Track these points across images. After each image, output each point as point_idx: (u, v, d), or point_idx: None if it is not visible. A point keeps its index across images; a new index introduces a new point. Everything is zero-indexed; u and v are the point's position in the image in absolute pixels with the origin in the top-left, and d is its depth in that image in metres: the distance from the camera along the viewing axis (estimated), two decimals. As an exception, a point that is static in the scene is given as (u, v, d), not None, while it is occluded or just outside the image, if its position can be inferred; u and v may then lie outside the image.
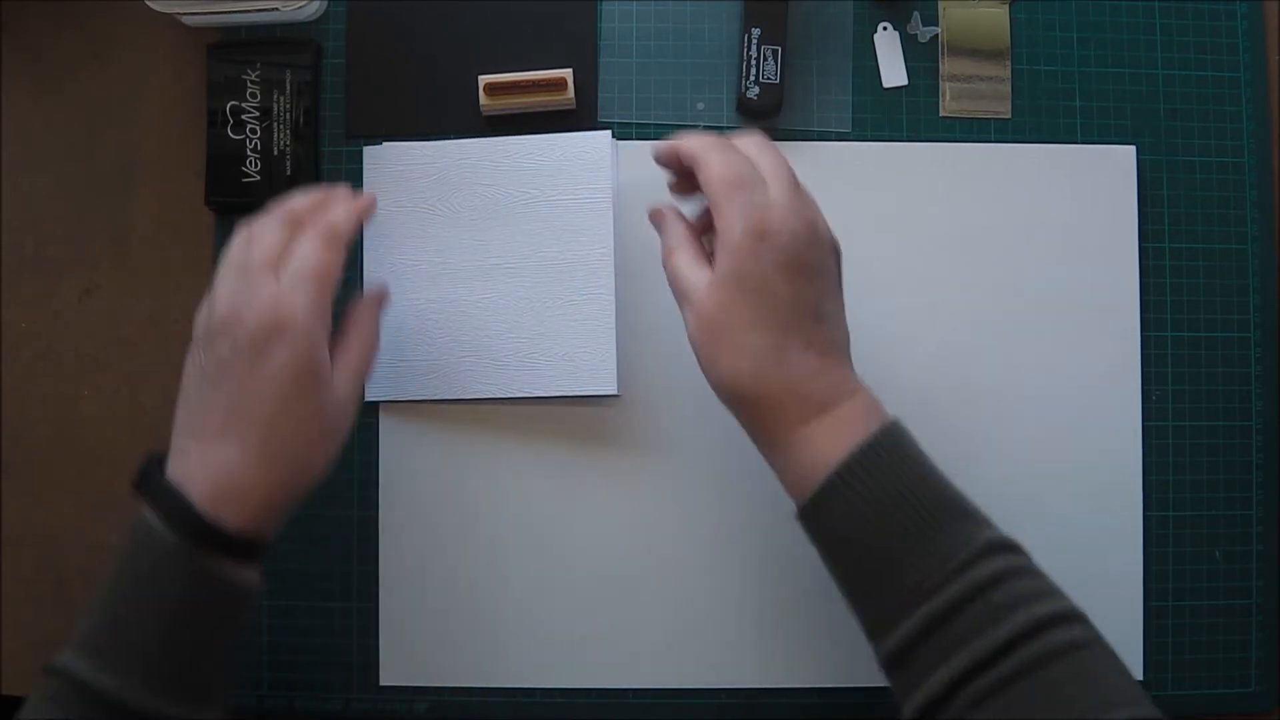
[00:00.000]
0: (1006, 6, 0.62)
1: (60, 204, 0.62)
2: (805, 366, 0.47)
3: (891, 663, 0.46)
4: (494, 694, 0.59)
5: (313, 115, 0.61)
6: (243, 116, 0.60)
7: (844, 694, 0.59)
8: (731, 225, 0.47)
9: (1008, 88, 0.62)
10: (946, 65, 0.62)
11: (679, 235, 0.51)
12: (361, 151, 0.61)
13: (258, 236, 0.49)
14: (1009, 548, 0.45)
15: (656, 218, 0.53)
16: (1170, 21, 0.62)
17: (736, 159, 0.48)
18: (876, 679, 0.59)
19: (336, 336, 0.51)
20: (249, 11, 0.60)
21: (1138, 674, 0.59)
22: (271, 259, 0.48)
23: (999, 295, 0.61)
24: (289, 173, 0.60)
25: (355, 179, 0.61)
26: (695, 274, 0.49)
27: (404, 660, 0.59)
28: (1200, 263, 0.62)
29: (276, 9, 0.60)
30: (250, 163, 0.60)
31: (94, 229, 0.62)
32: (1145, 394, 0.61)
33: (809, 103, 0.62)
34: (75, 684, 0.44)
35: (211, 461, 0.46)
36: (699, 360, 0.49)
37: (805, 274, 0.47)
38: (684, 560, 0.60)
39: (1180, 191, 0.62)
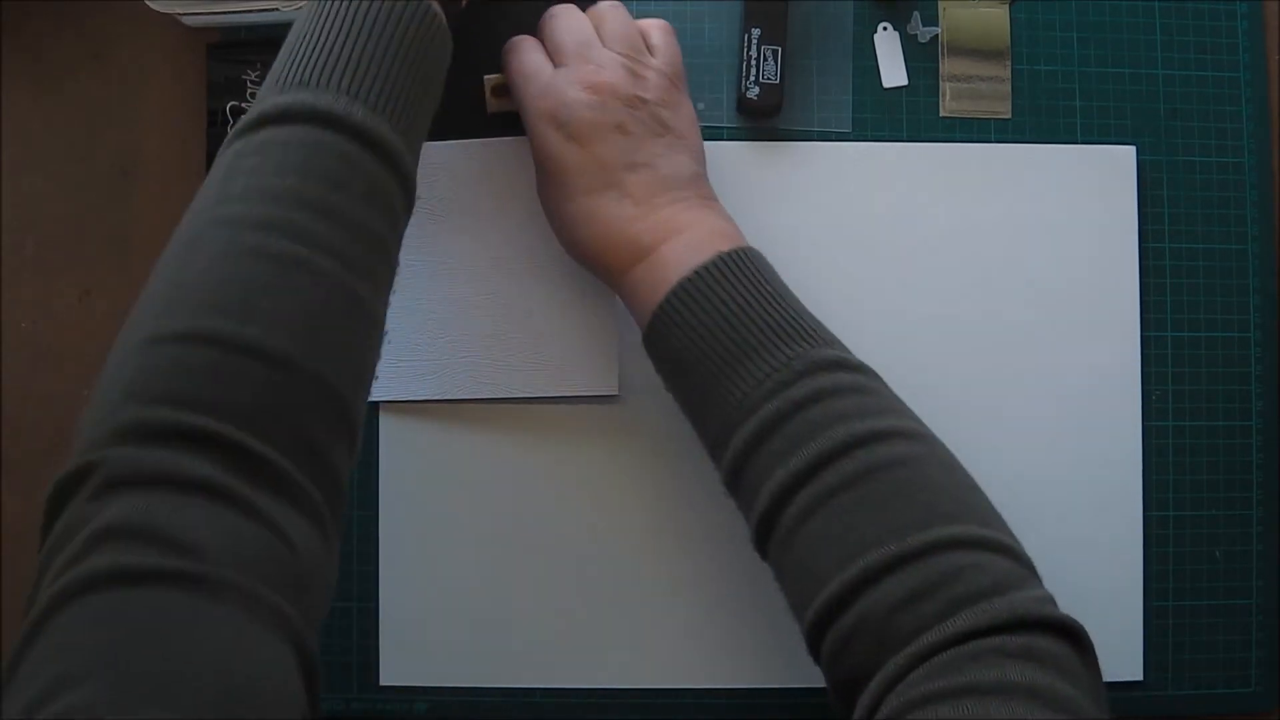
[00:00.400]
0: (1006, 6, 0.62)
1: (60, 204, 0.62)
2: (621, 215, 0.50)
3: (729, 486, 0.48)
4: (494, 694, 0.59)
5: (313, 115, 0.61)
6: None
7: (844, 694, 0.59)
8: (526, 117, 0.52)
9: (1008, 88, 0.62)
10: (946, 65, 0.62)
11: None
12: (361, 151, 0.61)
13: None
14: (840, 364, 0.46)
15: (507, 50, 0.56)
16: (1170, 21, 0.62)
17: (525, 49, 0.53)
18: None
19: None
20: (249, 11, 0.60)
21: (1137, 674, 0.59)
22: None
23: (998, 295, 0.61)
24: (289, 173, 0.60)
25: (355, 179, 0.61)
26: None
27: (404, 660, 0.59)
28: (1200, 263, 0.62)
29: (277, 9, 0.60)
30: (250, 163, 0.60)
31: (94, 229, 0.62)
32: (1145, 394, 0.61)
33: (809, 103, 0.62)
34: (323, 118, 0.42)
35: None
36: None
37: (598, 137, 0.50)
38: (684, 560, 0.60)
39: (1180, 191, 0.62)
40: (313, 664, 0.37)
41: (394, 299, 0.59)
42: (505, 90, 0.57)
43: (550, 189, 0.53)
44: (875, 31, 0.62)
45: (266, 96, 0.44)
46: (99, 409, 0.37)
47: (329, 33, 0.44)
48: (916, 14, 0.62)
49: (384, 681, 0.60)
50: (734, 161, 0.61)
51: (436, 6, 0.47)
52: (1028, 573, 0.43)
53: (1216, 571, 0.61)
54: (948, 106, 0.62)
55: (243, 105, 0.60)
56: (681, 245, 0.50)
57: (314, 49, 0.44)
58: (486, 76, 0.59)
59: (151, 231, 0.62)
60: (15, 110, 0.63)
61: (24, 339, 0.62)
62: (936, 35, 0.62)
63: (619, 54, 0.52)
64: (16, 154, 0.63)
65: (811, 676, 0.59)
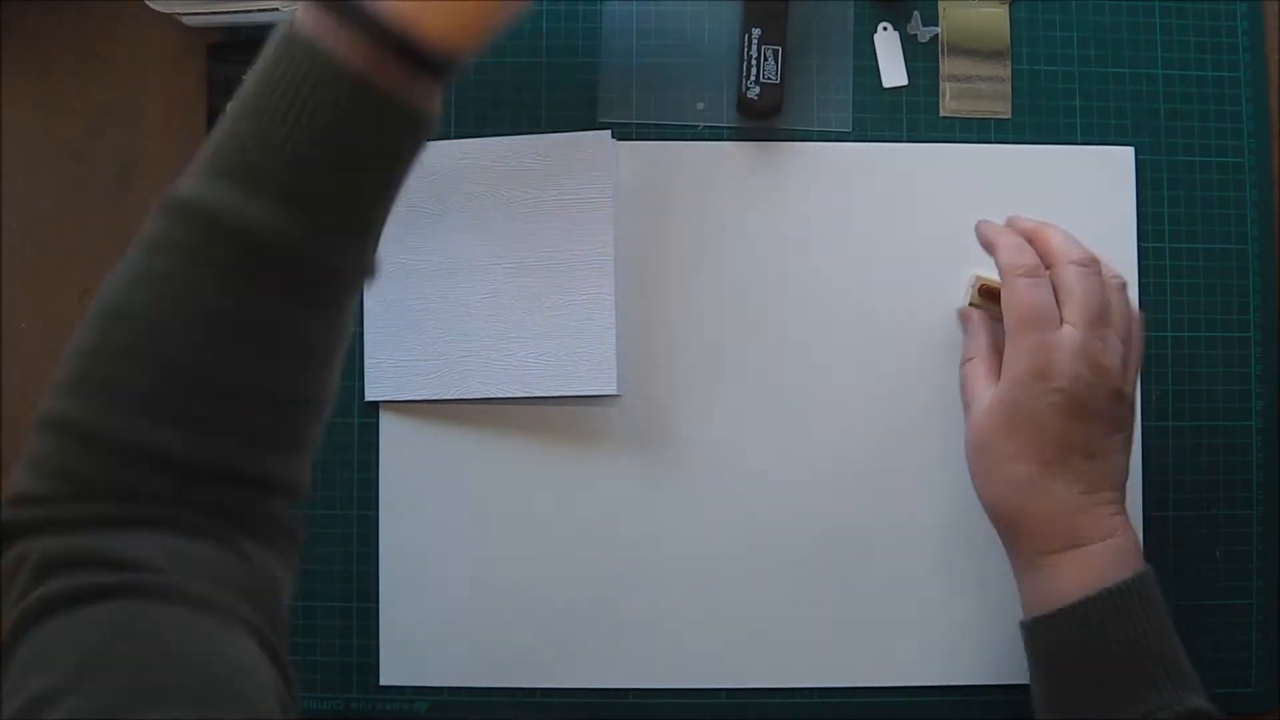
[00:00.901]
0: (1006, 6, 0.62)
1: (60, 204, 0.62)
2: (1066, 502, 0.49)
3: None
4: (494, 694, 0.59)
5: (313, 115, 0.61)
6: (243, 116, 0.60)
7: (845, 694, 0.59)
8: (1016, 358, 0.50)
9: (1008, 88, 0.62)
10: (946, 65, 0.62)
11: (979, 345, 0.55)
12: (362, 151, 0.61)
13: None
14: (1209, 717, 0.47)
15: (966, 318, 0.57)
16: (1170, 21, 0.62)
17: (1037, 291, 0.51)
18: (876, 679, 0.59)
19: None
20: (250, 11, 0.60)
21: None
22: None
23: (999, 295, 0.61)
24: (289, 173, 0.60)
25: (355, 179, 0.61)
26: (981, 389, 0.52)
27: (404, 660, 0.59)
28: (1200, 263, 0.62)
29: (277, 9, 0.60)
30: (250, 163, 0.60)
31: (94, 229, 0.62)
32: (1145, 394, 0.61)
33: (809, 103, 0.62)
34: (206, 218, 0.38)
35: None
36: (971, 474, 0.52)
37: (1081, 416, 0.49)
38: (683, 560, 0.60)
39: (1180, 191, 0.62)
40: (285, 670, 0.37)
41: (394, 299, 0.60)
42: (993, 297, 0.54)
43: (1001, 437, 0.50)
44: (875, 31, 0.62)
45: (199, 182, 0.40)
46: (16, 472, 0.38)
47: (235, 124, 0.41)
48: (916, 14, 0.62)
49: (384, 681, 0.60)
50: (734, 161, 0.61)
51: (398, 85, 0.40)
52: None
53: (1216, 571, 0.61)
54: (948, 106, 0.62)
55: (243, 105, 0.60)
56: (1112, 551, 0.49)
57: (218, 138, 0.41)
58: (979, 275, 0.57)
59: (151, 231, 0.62)
60: (15, 110, 0.63)
61: (24, 339, 0.62)
62: (936, 35, 0.62)
63: (1120, 340, 0.51)
64: (16, 154, 0.63)
65: (813, 676, 0.60)
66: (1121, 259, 0.61)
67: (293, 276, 0.40)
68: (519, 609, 0.60)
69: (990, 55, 0.62)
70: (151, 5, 0.58)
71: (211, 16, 0.61)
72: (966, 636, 0.59)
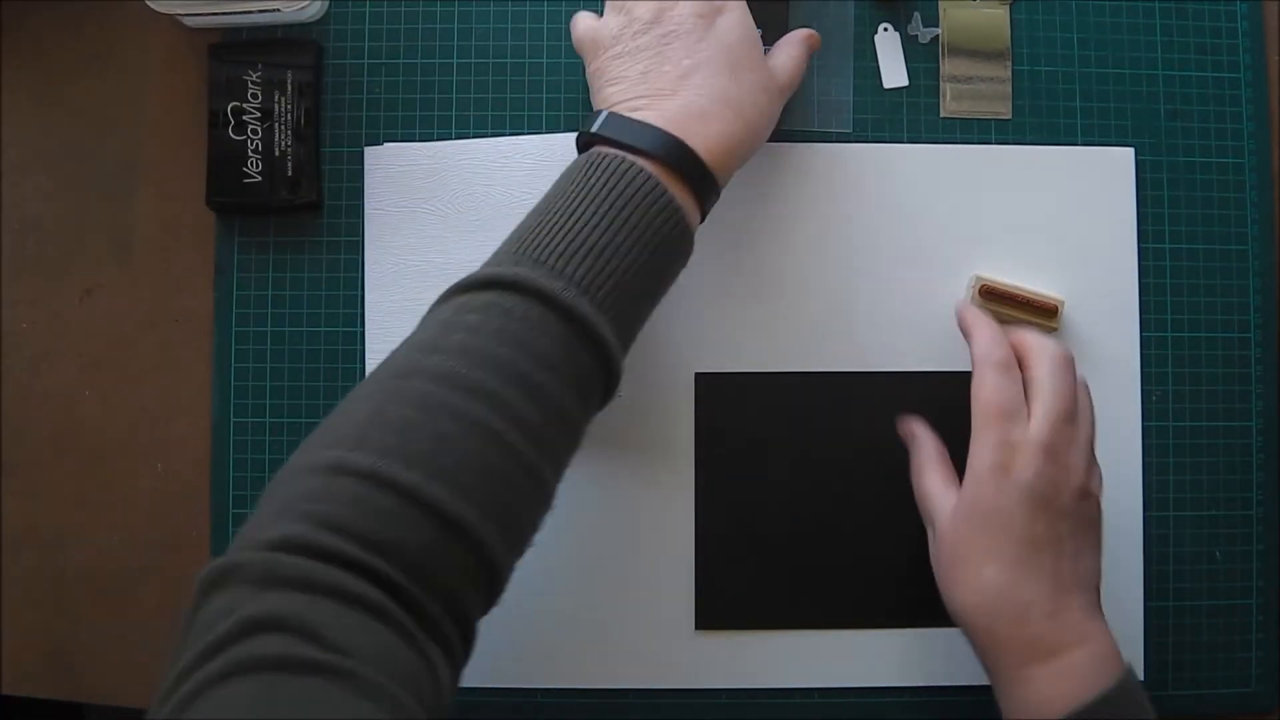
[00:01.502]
0: (1006, 7, 0.62)
1: (61, 204, 0.62)
2: (1039, 605, 0.47)
3: None
4: (494, 694, 0.59)
5: (314, 116, 0.61)
6: (244, 117, 0.60)
7: (846, 694, 0.59)
8: (980, 455, 0.49)
9: (1008, 88, 0.62)
10: (947, 66, 0.62)
11: (929, 455, 0.54)
12: (363, 152, 0.61)
13: None
14: None
15: (907, 433, 0.55)
16: (1170, 22, 0.62)
17: (1006, 386, 0.50)
18: (876, 679, 0.59)
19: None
20: (250, 12, 0.60)
21: (1138, 674, 0.60)
22: None
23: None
24: (290, 173, 0.60)
25: (357, 179, 0.61)
26: (942, 496, 0.51)
27: (404, 660, 0.59)
28: (1200, 263, 0.62)
29: (278, 10, 0.60)
30: (251, 163, 0.60)
31: (95, 229, 0.62)
32: (1145, 394, 0.61)
33: (809, 103, 0.62)
34: (553, 305, 0.43)
35: (671, 105, 0.49)
36: (938, 583, 0.51)
37: (1048, 512, 0.48)
38: (684, 560, 0.60)
39: (1180, 191, 0.62)
40: None
41: (394, 299, 0.60)
42: (994, 297, 0.57)
43: (970, 539, 0.49)
44: (875, 32, 0.62)
45: (504, 260, 0.45)
46: (269, 517, 0.38)
47: (577, 218, 0.45)
48: (917, 14, 0.62)
49: (384, 681, 0.59)
50: (734, 162, 0.61)
51: (685, 214, 0.47)
52: None
53: (1216, 571, 0.61)
54: (948, 107, 0.62)
55: (244, 105, 0.60)
56: (1090, 659, 0.48)
57: (559, 229, 0.45)
58: (979, 276, 0.59)
59: (152, 231, 0.62)
60: (16, 110, 0.63)
61: (24, 339, 0.62)
62: (937, 36, 0.62)
63: (1086, 444, 0.51)
64: (17, 154, 0.63)
65: (813, 676, 0.60)
66: (1121, 259, 0.61)
67: (588, 373, 0.45)
68: (518, 609, 0.59)
69: (990, 56, 0.62)
70: (152, 5, 0.58)
71: (212, 17, 0.61)
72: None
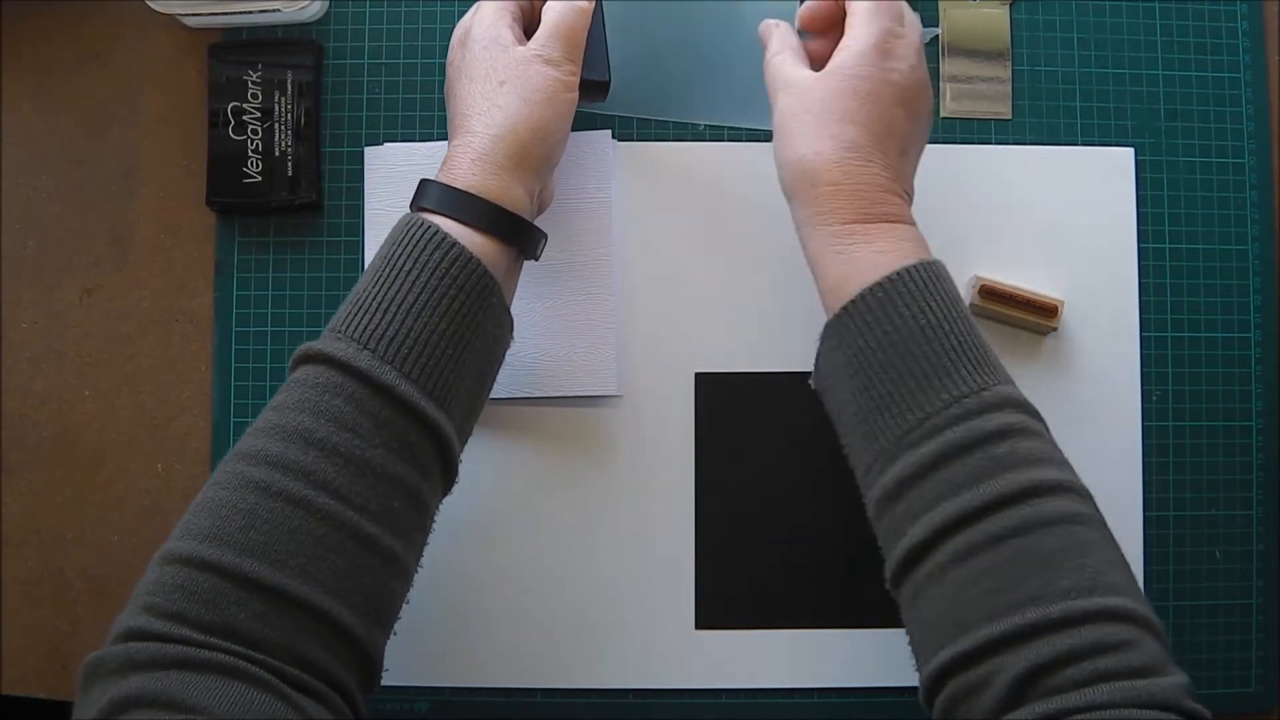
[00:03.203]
0: (1006, 7, 0.62)
1: (61, 204, 0.62)
2: (880, 180, 0.48)
3: (881, 505, 0.45)
4: (494, 694, 0.59)
5: (314, 116, 0.61)
6: (244, 117, 0.60)
7: (846, 694, 0.59)
8: (866, 34, 0.50)
9: (1008, 88, 0.62)
10: (947, 66, 0.62)
11: (788, 40, 0.53)
12: (363, 152, 0.61)
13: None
14: (1024, 407, 0.45)
15: (766, 29, 0.55)
16: (1170, 22, 0.62)
17: None
18: (877, 679, 0.59)
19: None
20: (250, 12, 0.60)
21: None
22: None
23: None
24: (290, 173, 0.60)
25: (357, 179, 0.61)
26: (799, 69, 0.51)
27: (404, 660, 0.59)
28: (1200, 263, 0.62)
29: (278, 9, 0.60)
30: (251, 163, 0.60)
31: (95, 229, 0.62)
32: (1145, 394, 0.61)
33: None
34: (338, 366, 0.45)
35: (457, 146, 0.50)
36: (780, 140, 0.50)
37: (909, 110, 0.50)
38: (684, 560, 0.60)
39: (1180, 192, 0.62)
40: None
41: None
42: (994, 297, 0.58)
43: (835, 100, 0.49)
44: (875, 32, 0.62)
45: (323, 339, 0.46)
46: (128, 609, 0.41)
47: (380, 293, 0.46)
48: (917, 14, 0.62)
49: (384, 681, 0.59)
50: (734, 161, 0.61)
51: (494, 280, 0.48)
52: (1168, 657, 0.41)
53: (1216, 571, 0.61)
54: (948, 107, 0.62)
55: (244, 105, 0.60)
56: (913, 237, 0.49)
57: (364, 306, 0.46)
58: (979, 276, 0.59)
59: (151, 231, 0.62)
60: (16, 111, 0.63)
61: (24, 339, 0.62)
62: (936, 36, 0.62)
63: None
64: (17, 154, 0.63)
65: (813, 676, 0.60)
66: (1121, 259, 0.61)
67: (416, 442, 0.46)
68: (519, 609, 0.60)
69: (990, 56, 0.62)
70: (152, 6, 0.59)
71: (211, 17, 0.61)
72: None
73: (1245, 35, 0.62)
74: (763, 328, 0.60)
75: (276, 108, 0.60)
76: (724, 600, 0.60)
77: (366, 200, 0.61)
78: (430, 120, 0.62)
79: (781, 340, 0.60)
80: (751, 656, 0.59)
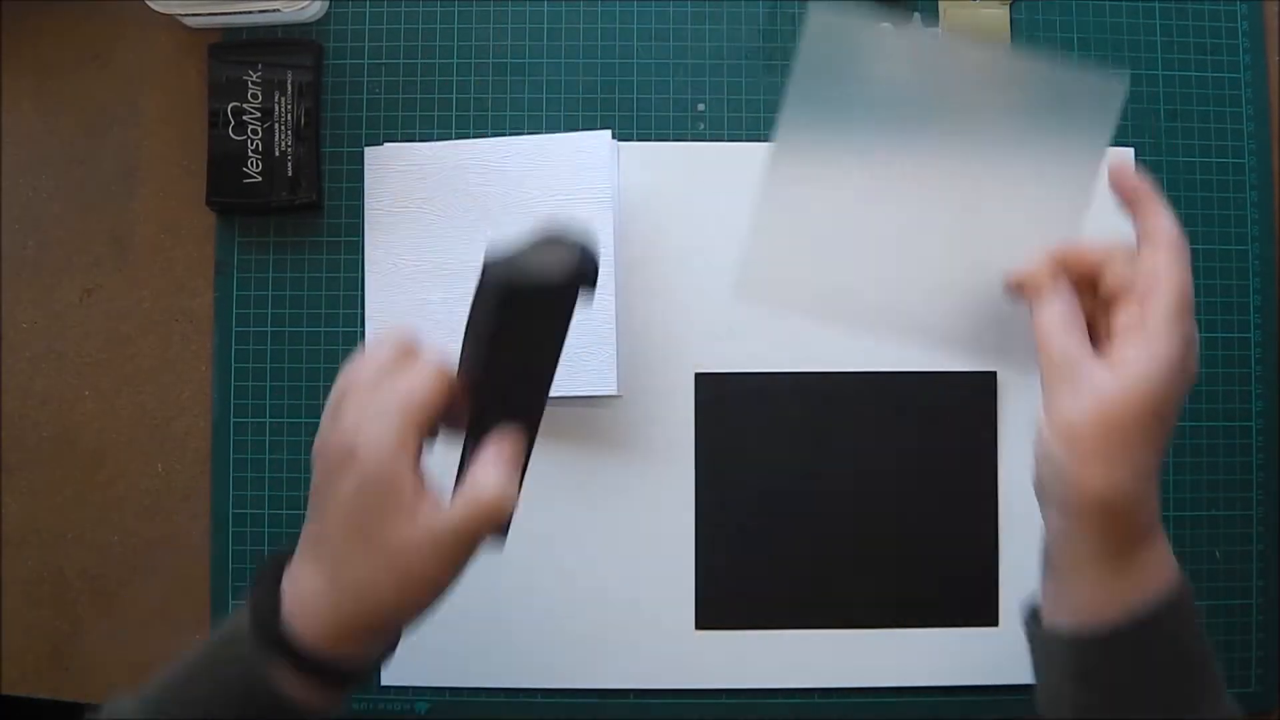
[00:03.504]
0: (1006, 6, 0.62)
1: (61, 204, 0.62)
2: (1152, 493, 0.45)
3: None
4: (494, 694, 0.59)
5: (314, 116, 0.61)
6: (244, 117, 0.60)
7: (846, 694, 0.59)
8: (1170, 343, 0.44)
9: (1008, 88, 0.62)
10: (946, 66, 0.62)
11: (1076, 311, 0.47)
12: (363, 152, 0.61)
13: (363, 361, 0.45)
14: None
15: (1039, 279, 0.48)
16: (1170, 22, 0.62)
17: (1189, 276, 0.45)
18: (877, 679, 0.59)
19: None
20: (250, 12, 0.60)
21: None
22: (368, 383, 0.44)
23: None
24: (290, 174, 0.60)
25: (357, 179, 0.61)
26: (1097, 366, 0.45)
27: (404, 660, 0.59)
28: (1200, 263, 0.62)
29: (278, 9, 0.60)
30: (251, 163, 0.60)
31: (95, 229, 0.62)
32: (1145, 394, 0.61)
33: (809, 103, 0.62)
34: None
35: (297, 576, 0.44)
36: (1066, 448, 0.44)
37: (1178, 414, 0.45)
38: (684, 560, 0.60)
39: (1180, 192, 0.62)
40: None
41: (394, 300, 0.60)
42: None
43: (1145, 421, 0.44)
44: (875, 32, 0.62)
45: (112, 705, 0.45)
46: None
47: (175, 694, 0.44)
48: (917, 14, 0.62)
49: (384, 681, 0.60)
50: (734, 161, 0.61)
51: (271, 688, 0.43)
52: None
53: (1216, 571, 0.61)
54: (948, 107, 0.62)
55: (244, 105, 0.60)
56: (1160, 549, 0.46)
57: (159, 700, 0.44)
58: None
59: (151, 231, 0.62)
60: (16, 110, 0.63)
61: (24, 339, 0.62)
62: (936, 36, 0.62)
63: None
64: (17, 154, 0.63)
65: (813, 677, 0.60)
66: (1121, 259, 0.61)
67: None
68: (519, 609, 0.60)
69: (990, 55, 0.62)
70: (152, 6, 0.59)
71: (211, 17, 0.61)
72: (967, 636, 0.59)
73: (1245, 35, 0.62)
74: (763, 327, 0.60)
75: (276, 108, 0.60)
76: (724, 600, 0.60)
77: (366, 200, 0.61)
78: (430, 120, 0.62)
79: (782, 340, 0.60)
80: (751, 656, 0.59)
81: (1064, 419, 0.44)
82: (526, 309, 0.43)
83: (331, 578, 0.43)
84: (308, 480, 0.49)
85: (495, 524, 0.44)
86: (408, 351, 0.45)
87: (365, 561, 0.43)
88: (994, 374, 0.60)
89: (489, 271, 0.42)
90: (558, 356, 0.45)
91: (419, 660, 0.59)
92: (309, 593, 0.44)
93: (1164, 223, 0.46)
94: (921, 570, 0.60)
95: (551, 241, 0.42)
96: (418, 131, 0.62)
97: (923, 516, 0.60)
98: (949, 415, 0.60)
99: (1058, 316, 0.46)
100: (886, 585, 0.60)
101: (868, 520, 0.60)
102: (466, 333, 0.45)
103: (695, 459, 0.60)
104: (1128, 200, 0.47)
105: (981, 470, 0.60)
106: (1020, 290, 0.48)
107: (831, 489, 0.60)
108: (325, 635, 0.43)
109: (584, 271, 0.42)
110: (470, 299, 0.44)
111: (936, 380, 0.60)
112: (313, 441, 0.44)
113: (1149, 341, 0.44)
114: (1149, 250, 0.46)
